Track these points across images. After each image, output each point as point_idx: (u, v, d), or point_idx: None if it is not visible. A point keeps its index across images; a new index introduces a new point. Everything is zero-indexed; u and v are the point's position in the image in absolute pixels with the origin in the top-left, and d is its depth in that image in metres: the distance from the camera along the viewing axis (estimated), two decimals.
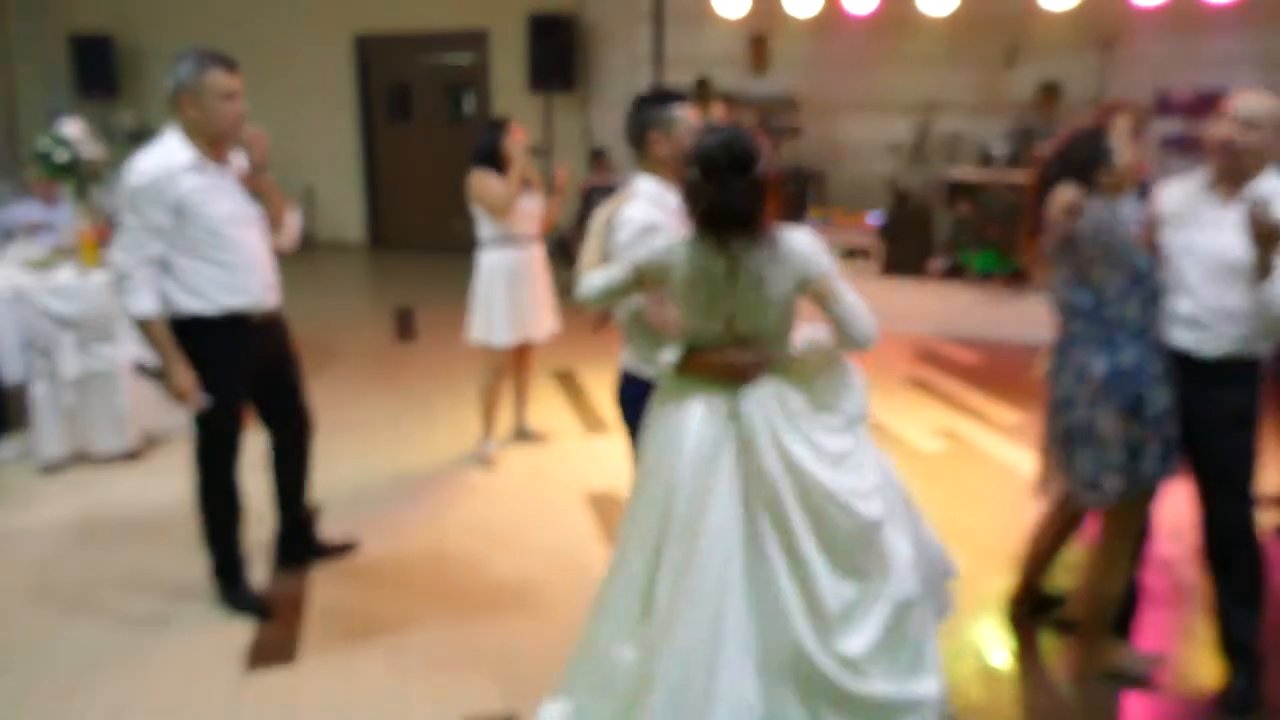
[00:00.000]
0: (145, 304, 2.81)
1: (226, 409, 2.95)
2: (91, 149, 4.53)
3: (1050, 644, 2.90)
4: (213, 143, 2.87)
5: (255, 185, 3.00)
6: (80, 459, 4.27)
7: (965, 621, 2.90)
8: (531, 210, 4.28)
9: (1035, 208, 2.56)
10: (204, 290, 2.86)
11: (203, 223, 2.83)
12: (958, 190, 7.03)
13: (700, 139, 2.09)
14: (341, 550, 3.44)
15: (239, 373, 2.98)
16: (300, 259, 4.06)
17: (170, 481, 3.96)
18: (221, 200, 2.88)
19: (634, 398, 2.44)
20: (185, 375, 2.85)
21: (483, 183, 4.15)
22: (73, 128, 4.53)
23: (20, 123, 9.77)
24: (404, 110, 9.60)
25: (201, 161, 2.85)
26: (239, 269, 2.89)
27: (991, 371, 5.70)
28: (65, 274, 4.30)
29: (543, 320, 4.39)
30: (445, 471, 4.27)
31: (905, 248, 7.01)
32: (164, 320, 2.84)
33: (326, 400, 4.19)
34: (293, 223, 3.18)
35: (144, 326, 2.84)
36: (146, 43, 9.65)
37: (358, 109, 9.64)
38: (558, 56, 8.31)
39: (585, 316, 2.58)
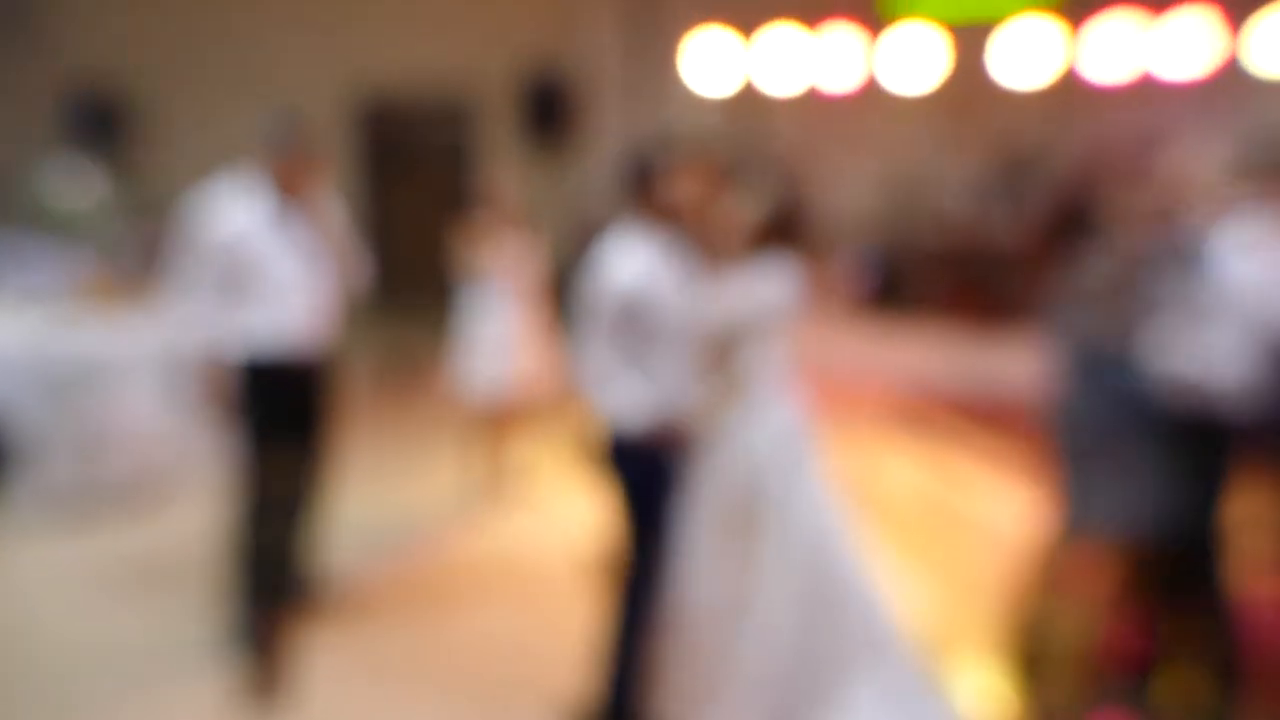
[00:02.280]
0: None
1: (257, 454, 3.04)
2: (78, 198, 4.66)
3: None
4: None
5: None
6: (90, 500, 4.31)
7: None
8: (513, 263, 4.44)
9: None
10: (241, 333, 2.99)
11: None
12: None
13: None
14: (320, 590, 3.45)
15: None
16: None
17: (181, 525, 4.02)
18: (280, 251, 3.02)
19: (628, 456, 2.47)
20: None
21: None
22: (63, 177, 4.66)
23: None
24: (399, 169, 9.81)
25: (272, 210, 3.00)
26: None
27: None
28: (79, 316, 4.40)
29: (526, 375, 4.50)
30: (449, 510, 4.34)
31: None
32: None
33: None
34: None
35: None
36: (141, 96, 9.80)
37: (354, 167, 9.83)
38: (548, 118, 8.56)
39: None
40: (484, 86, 9.06)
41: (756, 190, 2.47)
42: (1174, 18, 6.57)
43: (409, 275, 9.59)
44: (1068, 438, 2.69)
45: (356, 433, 5.30)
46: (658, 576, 2.45)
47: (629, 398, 2.42)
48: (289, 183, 3.04)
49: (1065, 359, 2.69)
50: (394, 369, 7.19)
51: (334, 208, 3.20)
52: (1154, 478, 2.56)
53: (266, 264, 2.99)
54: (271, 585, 3.14)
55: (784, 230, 2.50)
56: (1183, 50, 6.59)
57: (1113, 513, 2.58)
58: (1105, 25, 6.72)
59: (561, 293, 5.88)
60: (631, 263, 2.45)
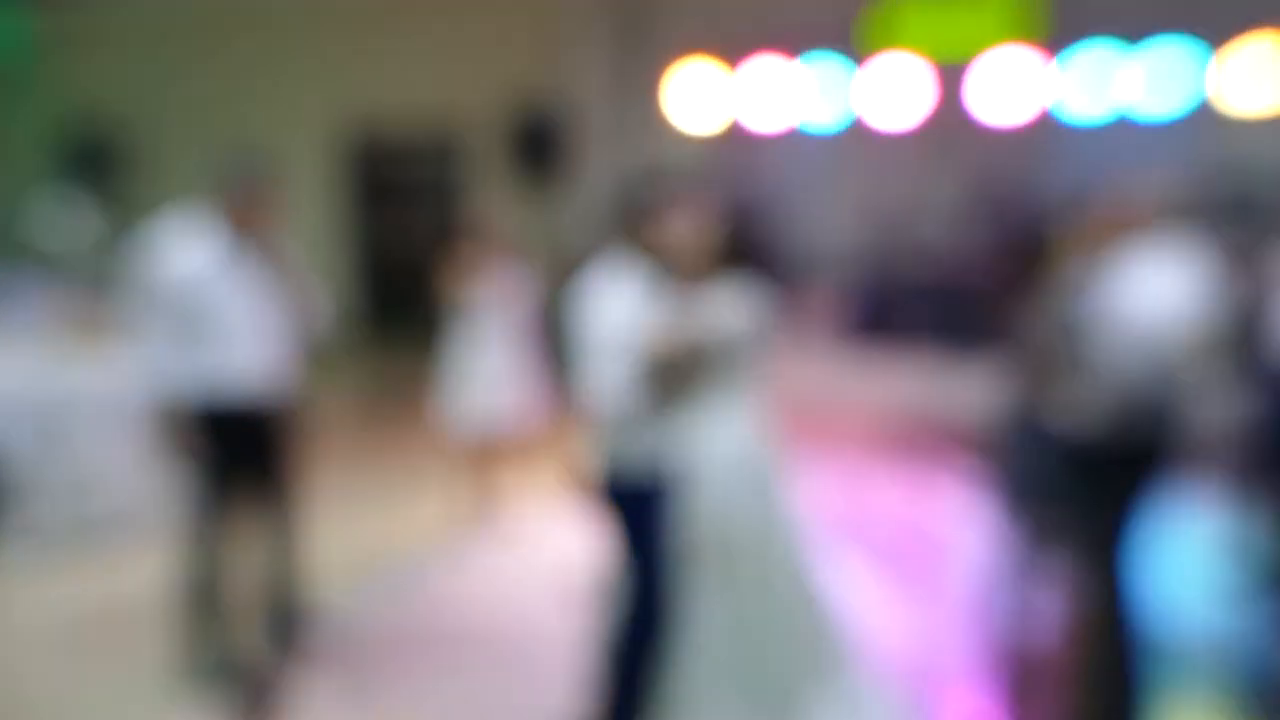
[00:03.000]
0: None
1: (214, 500, 3.01)
2: (71, 235, 4.69)
3: None
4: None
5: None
6: (77, 539, 4.31)
7: None
8: (502, 296, 4.51)
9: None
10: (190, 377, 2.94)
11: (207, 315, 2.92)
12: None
13: None
14: (304, 630, 3.43)
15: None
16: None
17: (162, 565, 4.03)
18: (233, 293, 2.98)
19: (633, 497, 2.47)
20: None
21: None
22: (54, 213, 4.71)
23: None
24: (390, 204, 9.90)
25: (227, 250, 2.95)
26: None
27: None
28: (69, 352, 4.43)
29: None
30: (436, 545, 4.35)
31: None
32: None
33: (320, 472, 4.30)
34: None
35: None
36: (135, 133, 9.90)
37: (345, 201, 9.92)
38: (536, 153, 8.68)
39: None
40: (473, 122, 9.18)
41: (718, 217, 2.53)
42: (1150, 51, 6.72)
43: (399, 308, 9.67)
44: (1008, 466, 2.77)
45: (344, 467, 5.35)
46: (654, 611, 2.47)
47: (624, 433, 2.46)
48: (244, 222, 2.96)
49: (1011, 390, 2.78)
50: (383, 401, 7.23)
51: (290, 247, 3.10)
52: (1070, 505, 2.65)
53: (220, 306, 2.91)
54: (232, 629, 3.13)
55: (744, 256, 2.55)
56: (1158, 86, 6.74)
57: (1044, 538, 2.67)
58: (1082, 58, 6.87)
59: (552, 325, 5.95)
60: (622, 300, 2.49)
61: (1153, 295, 2.65)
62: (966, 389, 6.62)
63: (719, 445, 2.38)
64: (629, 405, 2.40)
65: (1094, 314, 2.72)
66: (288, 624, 3.36)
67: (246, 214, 2.99)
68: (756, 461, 2.41)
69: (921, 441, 6.00)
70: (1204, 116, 6.76)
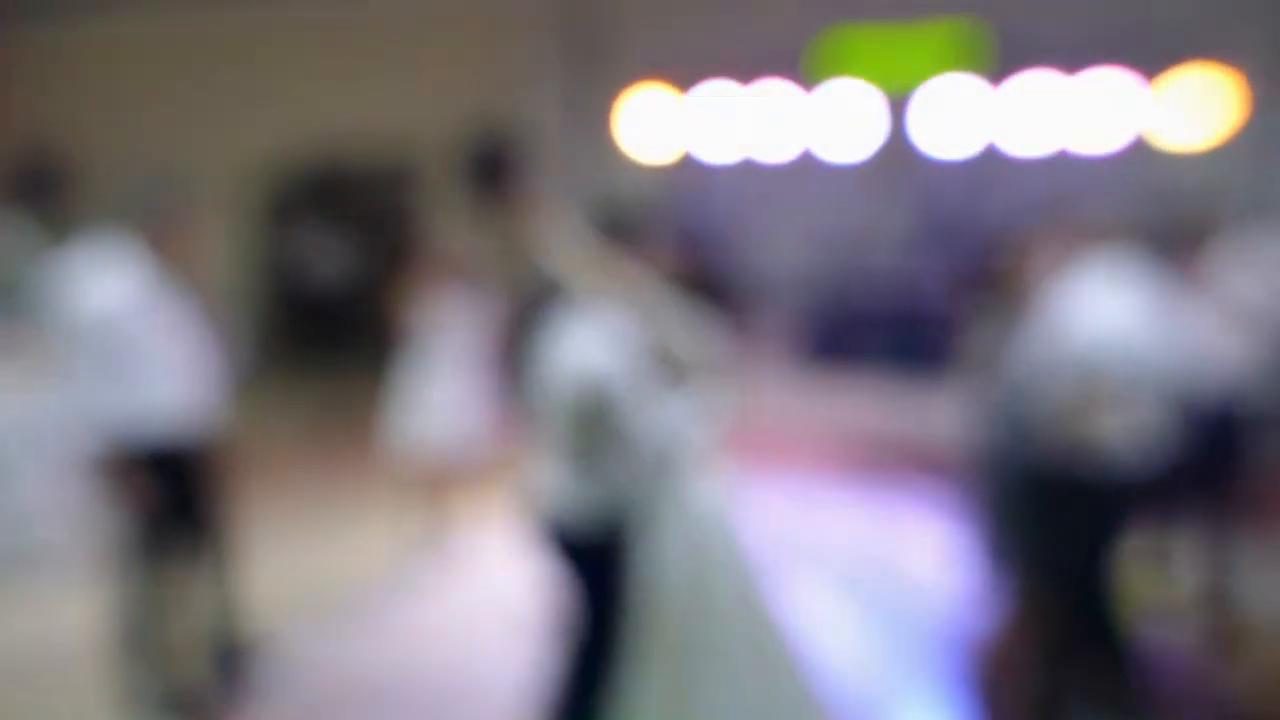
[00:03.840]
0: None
1: (141, 537, 2.94)
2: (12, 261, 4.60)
3: None
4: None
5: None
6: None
7: None
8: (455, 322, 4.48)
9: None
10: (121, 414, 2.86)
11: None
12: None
13: None
14: (248, 666, 3.36)
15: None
16: None
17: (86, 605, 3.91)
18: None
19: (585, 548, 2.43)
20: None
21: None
22: None
23: None
24: (342, 230, 9.81)
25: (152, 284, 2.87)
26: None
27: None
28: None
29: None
30: (385, 576, 4.29)
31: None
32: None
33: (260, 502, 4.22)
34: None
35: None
36: (81, 160, 9.72)
37: (296, 228, 9.82)
38: (491, 179, 8.67)
39: None
40: (426, 146, 9.14)
41: (674, 245, 2.55)
42: (1089, 82, 6.91)
43: (352, 335, 9.56)
44: (982, 490, 2.81)
45: (291, 498, 5.27)
46: (602, 665, 2.44)
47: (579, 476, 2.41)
48: (166, 252, 2.87)
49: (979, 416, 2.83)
50: (332, 430, 7.12)
51: (212, 282, 3.07)
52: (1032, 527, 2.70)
53: (141, 341, 2.82)
54: (171, 668, 3.05)
55: (699, 283, 2.57)
56: (1098, 119, 6.93)
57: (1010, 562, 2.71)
58: (1024, 87, 7.04)
59: (507, 351, 5.92)
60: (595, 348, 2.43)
61: (1093, 319, 2.71)
62: (920, 413, 6.72)
63: (681, 499, 2.37)
64: (586, 446, 2.38)
65: (1036, 338, 2.78)
66: (231, 661, 3.29)
67: (168, 244, 2.88)
68: (718, 512, 2.40)
69: (877, 465, 6.05)
70: (1142, 148, 6.96)
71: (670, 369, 2.36)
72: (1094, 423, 2.67)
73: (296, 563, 4.44)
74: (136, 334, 2.83)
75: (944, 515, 4.86)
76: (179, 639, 3.15)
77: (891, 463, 6.09)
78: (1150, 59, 6.77)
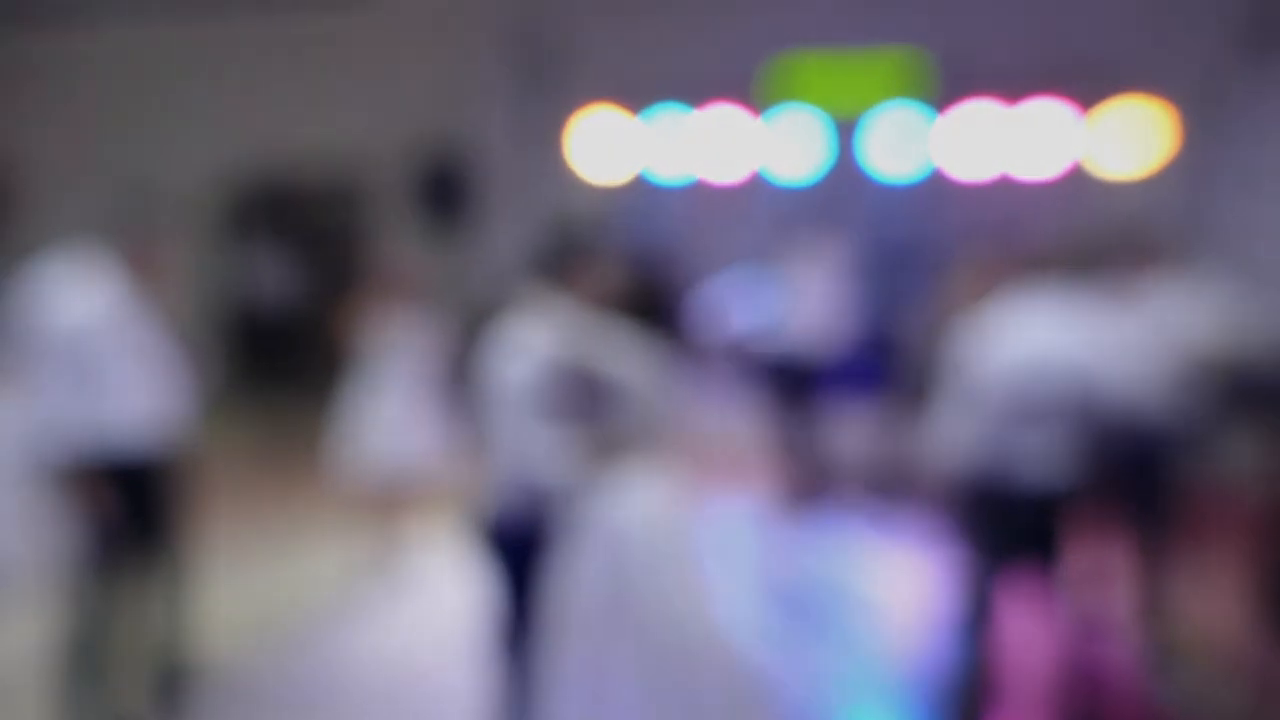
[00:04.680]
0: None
1: (100, 553, 2.91)
2: None
3: None
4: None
5: None
6: None
7: None
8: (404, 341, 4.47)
9: None
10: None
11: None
12: None
13: None
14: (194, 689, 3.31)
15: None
16: None
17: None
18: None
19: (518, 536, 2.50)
20: None
21: None
22: None
23: None
24: (292, 249, 9.70)
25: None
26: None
27: None
28: None
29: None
30: (334, 597, 4.24)
31: None
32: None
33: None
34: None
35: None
36: (25, 177, 9.51)
37: (245, 247, 9.69)
38: (441, 198, 8.65)
39: None
40: (376, 167, 9.10)
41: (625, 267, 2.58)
42: (1030, 111, 7.12)
43: (296, 355, 9.43)
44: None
45: (237, 520, 5.17)
46: (533, 654, 2.45)
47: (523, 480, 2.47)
48: (140, 269, 2.90)
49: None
50: (279, 452, 7.02)
51: (181, 298, 3.09)
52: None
53: (109, 355, 2.82)
54: (116, 690, 2.99)
55: (651, 304, 2.60)
56: (1038, 147, 7.14)
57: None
58: (967, 115, 7.23)
59: (457, 371, 5.91)
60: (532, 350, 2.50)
61: (1029, 342, 2.80)
62: (867, 434, 6.81)
63: (627, 507, 2.39)
64: (527, 453, 2.42)
65: (967, 358, 2.87)
66: (175, 684, 3.24)
67: (143, 261, 2.91)
68: (666, 524, 2.42)
69: (824, 487, 6.12)
70: (1079, 175, 7.18)
71: (599, 391, 2.38)
72: (1016, 439, 2.76)
73: (243, 585, 4.37)
74: (102, 348, 2.83)
75: (893, 536, 4.94)
76: (124, 658, 3.10)
77: (838, 484, 6.17)
78: (1086, 90, 7.00)
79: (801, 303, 5.76)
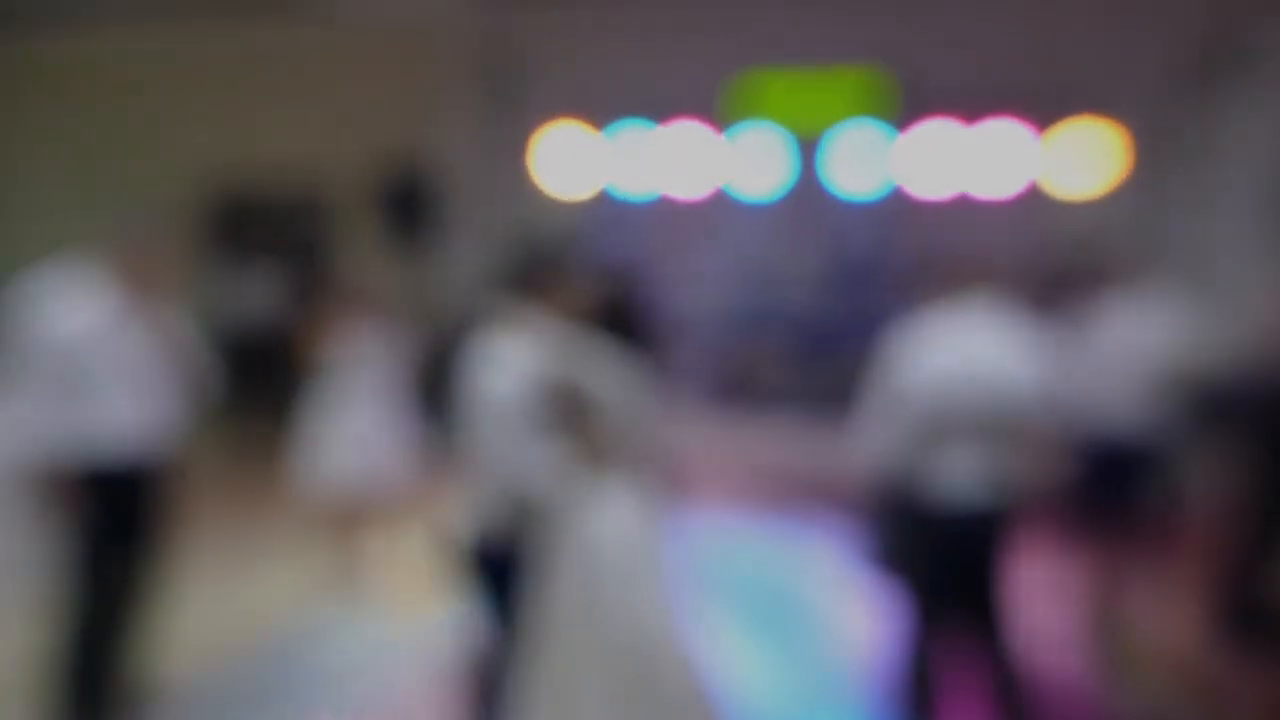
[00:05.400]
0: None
1: (86, 565, 2.90)
2: None
3: None
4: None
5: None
6: None
7: None
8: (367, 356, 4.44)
9: None
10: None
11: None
12: None
13: None
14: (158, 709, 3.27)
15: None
16: None
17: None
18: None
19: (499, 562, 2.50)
20: None
21: None
22: None
23: None
24: (256, 263, 9.59)
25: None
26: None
27: None
28: None
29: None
30: (298, 618, 4.19)
31: None
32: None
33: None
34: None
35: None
36: None
37: (208, 260, 9.57)
38: (407, 212, 8.61)
39: None
40: (341, 181, 9.03)
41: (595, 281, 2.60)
42: (985, 133, 7.26)
43: (261, 370, 9.30)
44: None
45: (200, 537, 5.08)
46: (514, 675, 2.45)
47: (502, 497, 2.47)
48: (137, 281, 2.94)
49: None
50: (243, 468, 6.93)
51: (181, 310, 3.13)
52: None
53: (102, 366, 2.86)
54: (96, 706, 2.95)
55: (620, 319, 2.62)
56: (996, 167, 7.28)
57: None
58: (927, 134, 7.36)
59: (423, 385, 5.88)
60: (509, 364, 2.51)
61: (954, 354, 2.85)
62: (830, 450, 6.87)
63: (600, 521, 2.39)
64: (513, 468, 2.42)
65: (895, 370, 2.92)
66: (139, 700, 3.20)
67: (141, 274, 2.94)
68: (638, 538, 2.43)
69: (788, 501, 6.17)
70: (1036, 195, 7.33)
71: (585, 405, 2.39)
72: (938, 456, 2.80)
73: (209, 601, 4.31)
74: (92, 360, 2.85)
75: (852, 550, 4.98)
76: (96, 672, 3.05)
77: (802, 498, 6.22)
78: (1042, 111, 7.16)
79: None
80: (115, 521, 2.96)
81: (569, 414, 2.36)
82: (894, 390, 2.88)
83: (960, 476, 2.82)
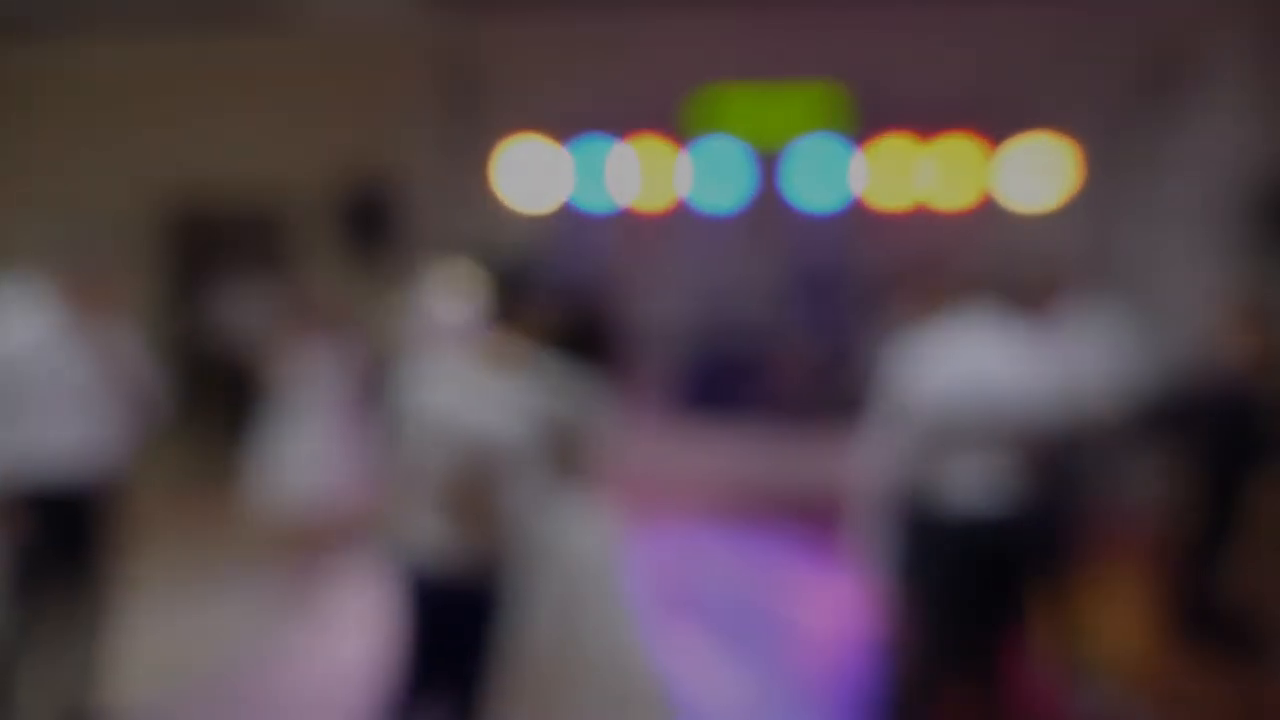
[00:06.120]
0: None
1: (27, 587, 2.83)
2: None
3: None
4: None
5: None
6: None
7: None
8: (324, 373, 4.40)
9: None
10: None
11: None
12: None
13: None
14: None
15: None
16: None
17: None
18: None
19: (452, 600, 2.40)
20: None
21: None
22: None
23: None
24: (213, 279, 9.46)
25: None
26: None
27: None
28: None
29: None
30: (250, 640, 4.12)
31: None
32: None
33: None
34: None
35: None
36: None
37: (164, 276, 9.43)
38: (367, 228, 8.55)
39: None
40: (300, 195, 8.95)
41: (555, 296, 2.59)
42: (941, 146, 7.37)
43: (216, 387, 9.16)
44: None
45: (150, 557, 4.99)
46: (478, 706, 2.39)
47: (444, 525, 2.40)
48: (78, 298, 2.88)
49: None
50: (197, 487, 6.81)
51: (130, 328, 3.07)
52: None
53: (44, 384, 2.80)
54: None
55: (581, 333, 2.60)
56: (952, 180, 7.39)
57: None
58: (885, 148, 7.45)
59: (382, 402, 5.80)
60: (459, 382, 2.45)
61: (943, 365, 2.88)
62: (793, 461, 6.91)
63: (561, 544, 2.38)
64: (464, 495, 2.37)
65: (892, 384, 2.94)
66: None
67: (86, 292, 2.89)
68: (599, 559, 2.43)
69: (752, 513, 6.18)
70: (992, 208, 7.45)
71: (552, 427, 2.38)
72: (943, 465, 2.83)
73: (155, 626, 4.22)
74: (34, 378, 2.79)
75: (817, 561, 5.00)
76: (36, 695, 2.98)
77: (766, 510, 6.24)
78: (996, 126, 7.28)
79: None
80: (57, 544, 2.88)
81: (564, 447, 2.35)
82: (901, 403, 2.88)
83: (970, 486, 2.84)
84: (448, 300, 3.21)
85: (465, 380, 2.44)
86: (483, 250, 4.66)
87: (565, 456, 2.45)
